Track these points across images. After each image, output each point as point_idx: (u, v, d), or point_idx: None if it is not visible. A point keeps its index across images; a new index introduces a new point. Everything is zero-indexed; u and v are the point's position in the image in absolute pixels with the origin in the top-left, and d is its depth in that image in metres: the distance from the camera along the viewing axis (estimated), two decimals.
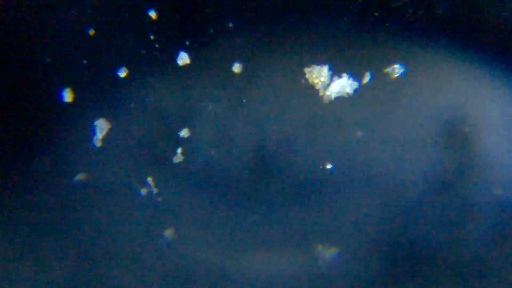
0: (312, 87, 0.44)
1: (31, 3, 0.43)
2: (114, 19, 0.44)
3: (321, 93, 0.44)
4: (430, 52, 0.44)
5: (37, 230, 0.45)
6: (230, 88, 0.44)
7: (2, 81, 0.44)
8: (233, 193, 0.45)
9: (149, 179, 0.45)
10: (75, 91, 0.44)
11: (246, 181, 0.45)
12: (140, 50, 0.44)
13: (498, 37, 0.44)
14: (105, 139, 0.45)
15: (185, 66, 0.44)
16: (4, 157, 0.45)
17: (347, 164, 0.45)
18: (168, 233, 0.45)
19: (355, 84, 0.44)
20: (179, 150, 0.45)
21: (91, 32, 0.44)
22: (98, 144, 0.45)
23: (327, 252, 0.45)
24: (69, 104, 0.44)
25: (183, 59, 0.44)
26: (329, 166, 0.45)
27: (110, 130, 0.45)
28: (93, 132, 0.45)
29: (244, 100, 0.44)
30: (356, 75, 0.44)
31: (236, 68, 0.44)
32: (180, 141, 0.45)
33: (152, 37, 0.44)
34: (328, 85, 0.44)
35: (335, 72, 0.44)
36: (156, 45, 0.44)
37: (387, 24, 0.44)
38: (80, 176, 0.45)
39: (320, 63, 0.44)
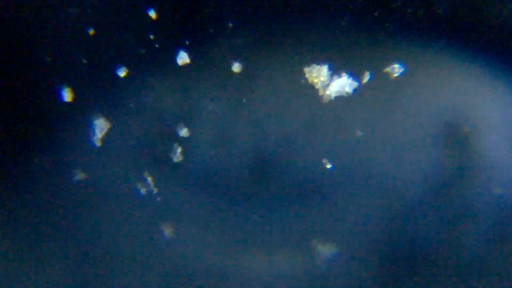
0: (311, 86, 0.44)
1: (31, 2, 0.43)
2: (114, 18, 0.44)
3: (320, 93, 0.44)
4: (430, 51, 0.44)
5: (36, 229, 0.45)
6: (230, 87, 0.44)
7: (2, 80, 0.44)
8: (232, 192, 0.45)
9: (149, 179, 0.45)
10: (74, 90, 0.44)
11: (245, 180, 0.45)
12: (139, 50, 0.44)
13: (498, 37, 0.44)
14: (104, 139, 0.45)
15: (185, 66, 0.44)
16: (4, 156, 0.45)
17: (346, 164, 0.45)
18: (168, 232, 0.45)
19: (354, 84, 0.44)
20: (179, 150, 0.45)
21: (91, 31, 0.44)
22: (98, 143, 0.45)
23: (326, 251, 0.45)
24: (68, 103, 0.44)
25: (183, 58, 0.44)
26: (328, 166, 0.45)
27: (110, 129, 0.45)
28: (92, 131, 0.45)
29: (244, 100, 0.44)
30: (355, 75, 0.44)
31: (236, 67, 0.44)
32: (180, 141, 0.45)
33: (151, 37, 0.44)
34: (328, 84, 0.44)
35: (335, 71, 0.44)
36: (156, 45, 0.44)
37: (387, 24, 0.44)
38: (80, 176, 0.45)
39: (319, 62, 0.44)
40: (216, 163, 0.45)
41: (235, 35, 0.44)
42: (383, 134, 0.44)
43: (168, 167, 0.45)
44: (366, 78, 0.44)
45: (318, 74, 0.44)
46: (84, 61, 0.44)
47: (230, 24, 0.44)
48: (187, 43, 0.44)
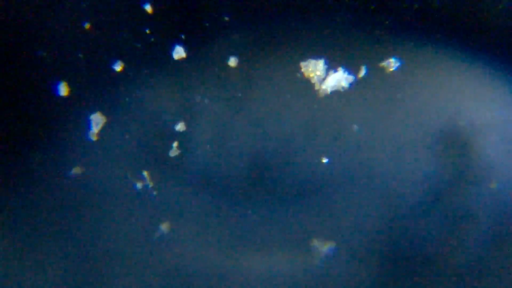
0: (307, 81, 0.44)
1: None
2: (110, 13, 0.44)
3: (316, 87, 0.44)
4: (426, 46, 0.44)
5: (32, 224, 0.45)
6: (226, 82, 0.44)
7: None
8: (229, 187, 0.45)
9: (145, 173, 0.45)
10: (71, 85, 0.44)
11: (242, 175, 0.45)
12: (136, 44, 0.44)
13: (495, 30, 0.44)
14: (100, 133, 0.45)
15: (181, 60, 0.44)
16: (0, 151, 0.45)
17: (343, 158, 0.44)
18: (164, 227, 0.45)
19: (350, 78, 0.44)
20: (175, 144, 0.45)
21: (87, 26, 0.44)
22: (94, 138, 0.45)
23: (323, 247, 0.45)
24: (65, 98, 0.44)
25: (179, 53, 0.44)
26: (325, 160, 0.44)
27: (106, 124, 0.45)
28: (88, 126, 0.45)
29: (240, 94, 0.44)
30: (351, 69, 0.44)
31: (232, 62, 0.44)
32: (176, 135, 0.45)
33: (148, 31, 0.44)
34: (324, 79, 0.44)
35: (331, 66, 0.44)
36: (152, 39, 0.44)
37: (382, 18, 0.44)
38: (76, 170, 0.45)
39: (315, 57, 0.44)
40: (212, 157, 0.45)
41: (231, 30, 0.44)
42: (379, 128, 0.44)
43: (165, 162, 0.45)
44: (362, 72, 0.44)
45: (314, 68, 0.44)
46: (81, 55, 0.44)
47: (226, 19, 0.44)
48: (183, 37, 0.44)
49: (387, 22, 0.44)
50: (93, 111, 0.45)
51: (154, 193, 0.45)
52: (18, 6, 0.43)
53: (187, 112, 0.45)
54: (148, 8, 0.44)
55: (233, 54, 0.44)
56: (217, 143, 0.45)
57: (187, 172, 0.45)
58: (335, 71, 0.44)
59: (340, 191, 0.45)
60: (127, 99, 0.45)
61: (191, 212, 0.45)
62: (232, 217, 0.45)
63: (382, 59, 0.44)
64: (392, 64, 0.44)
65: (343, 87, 0.44)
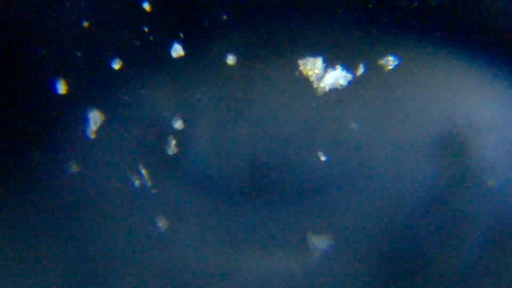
0: (306, 79, 0.44)
1: None
2: (108, 11, 0.44)
3: (315, 85, 0.44)
4: (425, 44, 0.44)
5: (29, 221, 0.45)
6: (224, 80, 0.44)
7: None
8: (227, 185, 0.45)
9: (143, 171, 0.45)
10: (69, 83, 0.44)
11: (240, 173, 0.45)
12: (134, 42, 0.44)
13: (494, 29, 0.44)
14: (98, 131, 0.45)
15: (179, 58, 0.44)
16: None
17: (341, 156, 0.44)
18: (162, 224, 0.45)
19: (349, 76, 0.44)
20: (173, 142, 0.45)
21: (85, 24, 0.44)
22: (92, 135, 0.45)
23: (323, 246, 0.45)
24: (63, 95, 0.45)
25: (177, 51, 0.44)
26: (323, 158, 0.44)
27: (104, 121, 0.45)
28: (86, 123, 0.45)
29: (238, 93, 0.44)
30: (350, 67, 0.44)
31: (230, 60, 0.44)
32: (174, 133, 0.45)
33: (146, 29, 0.44)
34: (322, 77, 0.44)
35: (329, 64, 0.44)
36: (150, 37, 0.44)
37: (381, 16, 0.44)
38: (74, 168, 0.45)
39: (314, 54, 0.44)
40: (210, 155, 0.45)
41: (229, 28, 0.44)
42: (378, 127, 0.44)
43: (163, 160, 0.45)
44: (360, 70, 0.44)
45: (312, 66, 0.44)
46: (79, 53, 0.44)
47: (225, 17, 0.44)
48: (182, 36, 0.44)
49: (385, 20, 0.44)
50: (91, 109, 0.45)
51: (152, 191, 0.45)
52: (17, 4, 0.44)
53: (185, 110, 0.45)
54: (147, 6, 0.44)
55: (231, 52, 0.44)
56: (215, 141, 0.45)
57: (185, 170, 0.45)
58: (334, 69, 0.44)
59: (338, 190, 0.45)
60: (125, 97, 0.45)
61: (190, 210, 0.45)
62: (231, 216, 0.45)
63: (380, 57, 0.44)
64: (390, 62, 0.44)
65: (341, 85, 0.44)
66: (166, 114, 0.45)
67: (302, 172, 0.45)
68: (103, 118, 0.45)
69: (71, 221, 0.45)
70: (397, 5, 0.44)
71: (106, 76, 0.44)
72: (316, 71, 0.44)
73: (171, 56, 0.44)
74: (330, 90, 0.44)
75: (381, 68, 0.44)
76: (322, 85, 0.44)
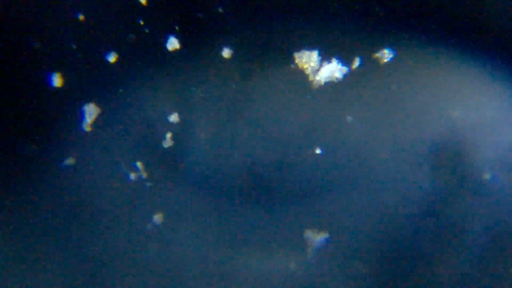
0: (301, 72, 0.44)
1: None
2: (104, 4, 0.44)
3: (310, 78, 0.44)
4: (420, 37, 0.44)
5: (24, 215, 0.45)
6: (220, 73, 0.44)
7: None
8: (222, 177, 0.45)
9: (139, 164, 0.45)
10: (64, 76, 0.44)
11: (235, 167, 0.45)
12: (130, 36, 0.44)
13: (489, 24, 0.44)
14: (94, 124, 0.45)
15: (175, 52, 0.44)
16: None
17: (336, 149, 0.44)
18: (157, 218, 0.45)
19: (344, 69, 0.44)
20: (169, 135, 0.45)
21: (81, 17, 0.44)
22: (87, 128, 0.45)
23: (317, 238, 0.45)
24: (58, 89, 0.44)
25: (173, 44, 0.44)
26: (318, 151, 0.44)
27: (100, 114, 0.45)
28: (82, 116, 0.45)
29: (234, 86, 0.44)
30: (345, 60, 0.44)
31: (226, 53, 0.44)
32: (170, 126, 0.45)
33: (141, 22, 0.44)
34: (318, 70, 0.44)
35: (325, 57, 0.44)
36: (146, 30, 0.44)
37: (376, 9, 0.44)
38: (69, 161, 0.45)
39: (309, 48, 0.44)
40: (205, 148, 0.45)
41: (225, 21, 0.44)
42: (373, 120, 0.44)
43: (158, 152, 0.45)
44: (356, 63, 0.44)
45: (308, 59, 0.44)
46: (74, 47, 0.44)
47: (220, 9, 0.44)
48: (177, 29, 0.44)
49: (381, 13, 0.44)
50: (86, 102, 0.45)
51: (148, 184, 0.45)
52: None
53: (181, 103, 0.45)
54: (142, 0, 0.44)
55: (227, 45, 0.44)
56: (211, 134, 0.45)
57: (181, 163, 0.45)
58: (329, 62, 0.44)
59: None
60: (120, 90, 0.45)
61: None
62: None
63: (375, 50, 0.44)
64: (385, 55, 0.44)
65: (337, 78, 0.44)
66: (162, 107, 0.45)
67: (296, 163, 0.45)
68: (98, 112, 0.45)
69: (66, 214, 0.45)
70: None
71: (102, 70, 0.44)
72: (312, 64, 0.44)
73: (167, 49, 0.44)
74: (326, 83, 0.44)
75: (376, 61, 0.44)
76: (317, 78, 0.44)
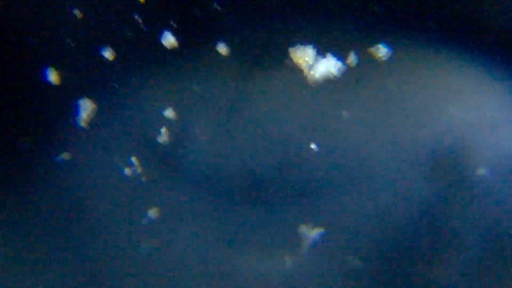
0: (297, 67, 0.44)
1: None
2: (101, 0, 0.44)
3: (305, 73, 0.44)
4: (415, 33, 0.44)
5: (19, 209, 0.45)
6: (215, 68, 0.44)
7: None
8: (217, 173, 0.45)
9: (134, 159, 0.45)
10: (60, 71, 0.44)
11: (231, 163, 0.45)
12: (125, 31, 0.44)
13: (489, 24, 0.44)
14: (89, 119, 0.45)
15: (171, 48, 0.44)
16: None
17: (332, 144, 0.44)
18: (152, 213, 0.45)
19: (339, 64, 0.44)
20: (164, 130, 0.45)
21: (77, 12, 0.44)
22: (83, 123, 0.45)
23: (311, 233, 0.45)
24: (54, 84, 0.44)
25: (169, 40, 0.44)
26: (313, 146, 0.44)
27: (95, 110, 0.45)
28: (77, 111, 0.45)
29: (230, 81, 0.44)
30: (340, 55, 0.44)
31: (222, 49, 0.44)
32: (165, 121, 0.45)
33: (137, 18, 0.44)
34: (313, 65, 0.44)
35: (320, 52, 0.44)
36: (142, 26, 0.44)
37: (372, 4, 0.44)
38: (64, 156, 0.45)
39: (304, 43, 0.44)
40: (200, 143, 0.45)
41: (220, 16, 0.44)
42: (368, 114, 0.44)
43: (153, 147, 0.45)
44: (351, 58, 0.44)
45: (303, 54, 0.44)
46: (71, 42, 0.44)
47: (216, 5, 0.44)
48: (174, 25, 0.44)
49: (376, 8, 0.44)
50: (82, 97, 0.45)
51: (143, 179, 0.45)
52: None
53: (176, 98, 0.45)
54: None
55: (222, 41, 0.44)
56: (206, 130, 0.45)
57: (177, 159, 0.45)
58: (324, 57, 0.44)
59: (332, 181, 0.44)
60: (116, 85, 0.45)
61: (178, 195, 0.45)
62: (218, 200, 0.45)
63: (371, 45, 0.44)
64: (381, 50, 0.44)
65: (332, 73, 0.44)
66: (157, 102, 0.45)
67: (291, 158, 0.45)
68: (94, 106, 0.45)
69: (61, 209, 0.45)
70: None
71: (98, 65, 0.44)
72: (307, 60, 0.44)
73: (163, 45, 0.44)
74: (321, 78, 0.44)
75: (372, 56, 0.44)
76: (313, 73, 0.44)
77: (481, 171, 0.44)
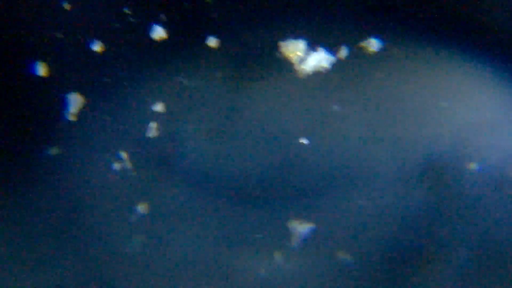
0: (288, 61, 0.44)
1: None
2: None
3: (297, 67, 0.44)
4: (407, 27, 0.44)
5: (8, 203, 0.45)
6: (205, 62, 0.44)
7: None
8: (207, 166, 0.45)
9: (123, 154, 0.45)
10: (49, 65, 0.44)
11: (222, 158, 0.45)
12: (115, 24, 0.44)
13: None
14: (78, 113, 0.45)
15: (161, 41, 0.44)
16: None
17: (323, 139, 0.44)
18: (141, 208, 0.45)
19: (331, 58, 0.44)
20: (153, 125, 0.44)
21: (66, 5, 0.44)
22: (72, 118, 0.45)
23: (301, 228, 0.45)
24: (43, 78, 0.44)
25: (158, 33, 0.44)
26: (304, 141, 0.44)
27: (84, 104, 0.45)
28: (66, 105, 0.44)
29: (219, 74, 0.44)
30: (332, 49, 0.44)
31: (212, 42, 0.44)
32: (154, 116, 0.44)
33: (127, 11, 0.44)
34: (304, 59, 0.44)
35: (311, 46, 0.44)
36: (131, 19, 0.44)
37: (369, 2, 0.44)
38: (53, 150, 0.45)
39: (296, 37, 0.44)
40: (189, 137, 0.45)
41: (210, 10, 0.44)
42: (359, 109, 0.44)
43: (142, 142, 0.45)
44: (342, 52, 0.44)
45: (294, 48, 0.44)
46: (59, 35, 0.44)
47: None
48: (163, 17, 0.44)
49: (368, 1, 0.44)
50: (71, 91, 0.44)
51: (132, 173, 0.45)
52: None
53: (166, 92, 0.44)
54: None
55: (212, 34, 0.44)
56: (195, 122, 0.44)
57: (165, 153, 0.45)
58: (316, 51, 0.44)
59: (317, 168, 0.44)
60: (105, 79, 0.44)
61: (168, 190, 0.45)
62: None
63: (362, 39, 0.44)
64: (372, 44, 0.44)
65: (323, 67, 0.44)
66: (146, 96, 0.44)
67: (282, 152, 0.44)
68: (83, 100, 0.45)
69: (50, 204, 0.45)
70: None
71: (87, 58, 0.44)
72: (298, 53, 0.44)
73: (153, 38, 0.44)
74: (312, 72, 0.44)
75: (363, 50, 0.44)
76: (304, 67, 0.44)
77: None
